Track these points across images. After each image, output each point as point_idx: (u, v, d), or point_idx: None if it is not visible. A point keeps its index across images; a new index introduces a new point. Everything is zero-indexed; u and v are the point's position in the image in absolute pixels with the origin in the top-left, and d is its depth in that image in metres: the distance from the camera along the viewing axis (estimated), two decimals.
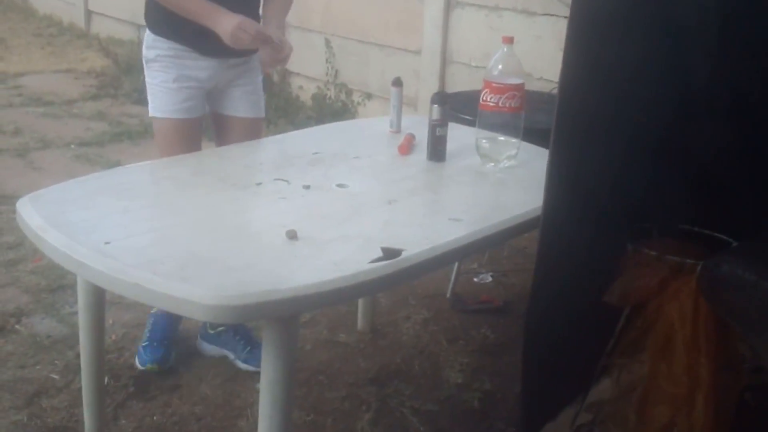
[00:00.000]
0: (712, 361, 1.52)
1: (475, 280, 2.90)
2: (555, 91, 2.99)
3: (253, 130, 2.23)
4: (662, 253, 1.58)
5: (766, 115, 1.59)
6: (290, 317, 1.35)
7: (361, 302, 2.48)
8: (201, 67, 2.16)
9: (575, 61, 1.52)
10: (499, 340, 2.49)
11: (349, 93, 4.62)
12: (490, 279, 2.92)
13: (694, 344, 1.54)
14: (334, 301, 1.44)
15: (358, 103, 4.56)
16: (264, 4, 2.21)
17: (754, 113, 1.57)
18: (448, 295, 2.75)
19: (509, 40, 1.96)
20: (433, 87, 4.00)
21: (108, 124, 4.49)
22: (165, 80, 2.15)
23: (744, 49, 1.51)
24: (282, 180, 1.78)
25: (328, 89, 4.67)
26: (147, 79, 2.19)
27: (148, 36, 2.19)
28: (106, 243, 1.38)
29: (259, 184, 1.76)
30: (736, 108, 1.57)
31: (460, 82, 3.87)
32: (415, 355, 2.39)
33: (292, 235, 1.48)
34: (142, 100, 4.88)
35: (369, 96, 4.50)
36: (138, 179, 1.76)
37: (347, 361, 2.33)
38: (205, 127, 2.30)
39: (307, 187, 1.75)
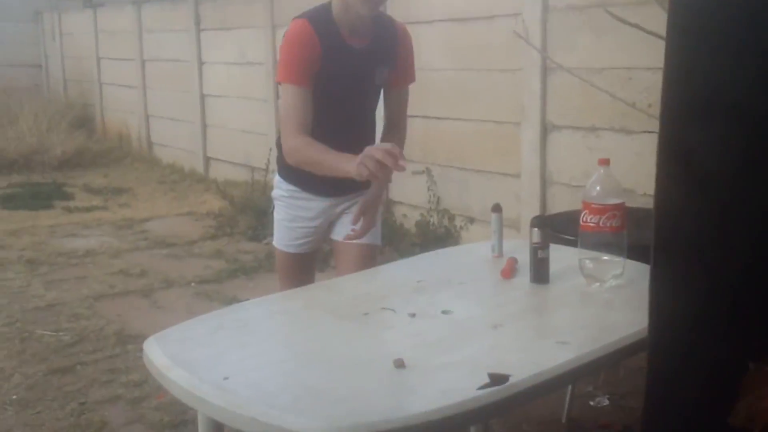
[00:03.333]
0: None
1: (591, 403, 2.81)
2: None
3: (365, 256, 2.33)
4: None
5: None
6: None
7: (473, 430, 2.44)
8: (310, 208, 2.36)
9: (668, 172, 1.52)
10: None
11: (451, 218, 4.71)
12: (607, 402, 2.82)
13: None
14: (443, 429, 1.44)
15: (461, 228, 4.63)
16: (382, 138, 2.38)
17: None
18: (563, 420, 2.66)
19: (605, 162, 1.99)
20: (535, 209, 4.03)
21: (225, 261, 4.73)
22: (283, 218, 2.41)
23: None
24: (388, 309, 1.84)
25: (431, 216, 4.78)
26: (274, 213, 2.47)
27: (276, 177, 2.45)
28: (225, 378, 1.46)
29: (366, 314, 1.81)
30: None
31: (561, 202, 3.89)
32: None
33: (399, 364, 1.51)
34: (256, 237, 5.17)
35: (471, 220, 4.58)
36: (254, 315, 1.86)
37: None
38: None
39: (413, 315, 1.79)
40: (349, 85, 2.25)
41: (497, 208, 2.24)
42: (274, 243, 2.48)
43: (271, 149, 6.11)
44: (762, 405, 1.55)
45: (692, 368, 1.55)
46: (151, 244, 5.22)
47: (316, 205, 2.36)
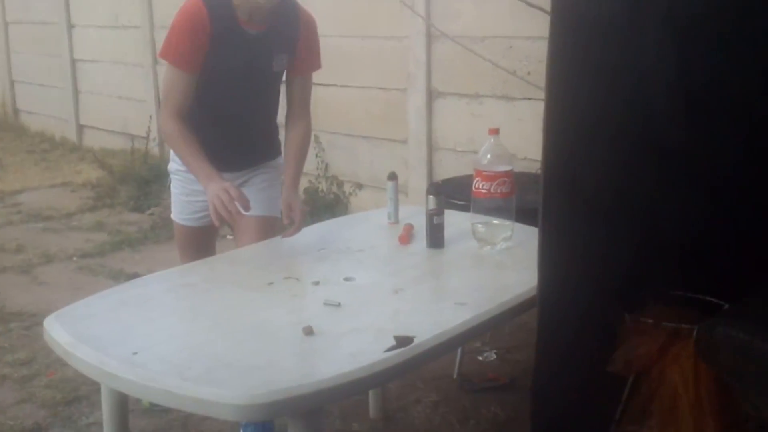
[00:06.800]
0: (718, 421, 1.58)
1: (480, 358, 2.96)
2: (540, 171, 3.12)
3: (264, 228, 2.33)
4: (658, 320, 1.67)
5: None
6: (315, 411, 1.41)
7: (371, 392, 2.52)
8: None
9: (555, 140, 1.62)
10: (509, 417, 2.53)
11: (340, 185, 4.75)
12: (495, 356, 2.97)
13: (699, 406, 1.60)
14: (355, 391, 1.51)
15: (350, 194, 4.69)
16: (285, 146, 2.39)
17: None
18: (455, 376, 2.79)
19: (495, 132, 2.09)
20: (422, 174, 4.14)
21: (107, 233, 4.58)
22: (180, 192, 2.40)
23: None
24: (292, 278, 1.87)
25: (320, 182, 4.80)
26: (171, 187, 2.45)
27: (171, 151, 2.41)
28: (134, 353, 1.46)
29: (271, 283, 1.84)
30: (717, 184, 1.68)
31: (448, 168, 4.01)
32: None
33: (308, 331, 1.55)
34: (139, 207, 5.03)
35: (360, 186, 4.64)
36: (156, 289, 1.84)
37: None
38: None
39: (317, 283, 1.83)
40: (243, 71, 2.24)
41: (393, 177, 2.30)
42: (173, 217, 2.46)
43: (151, 117, 5.93)
44: (637, 353, 1.70)
45: (576, 321, 1.68)
46: (26, 217, 4.97)
47: None
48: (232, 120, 2.29)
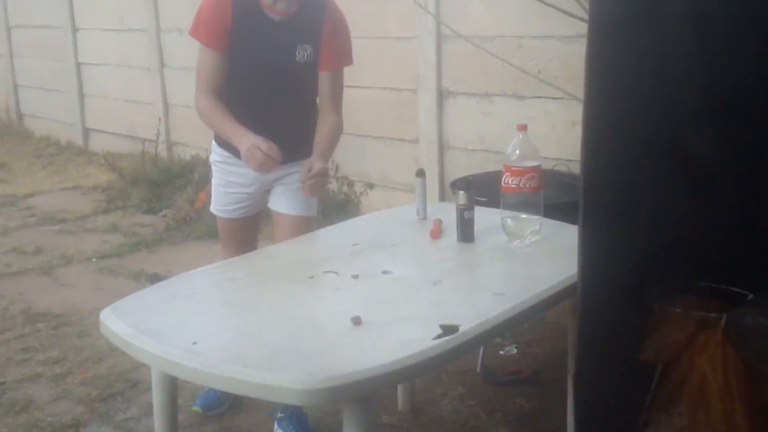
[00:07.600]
0: (747, 406, 1.63)
1: (501, 353, 3.02)
2: (556, 168, 3.19)
3: (300, 226, 2.38)
4: (686, 309, 1.73)
5: None
6: (369, 396, 1.48)
7: (399, 387, 2.58)
8: (243, 174, 2.39)
9: (593, 142, 1.68)
10: (534, 408, 2.59)
11: (350, 184, 4.81)
12: (515, 351, 3.04)
13: (728, 392, 1.66)
14: (407, 377, 1.58)
15: (361, 194, 4.75)
16: (316, 134, 2.37)
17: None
18: (478, 370, 2.86)
19: (523, 128, 2.16)
20: (434, 173, 4.20)
21: (123, 235, 4.64)
22: (218, 183, 2.46)
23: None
24: (332, 272, 1.93)
25: (330, 183, 4.86)
26: (212, 178, 2.51)
27: (213, 142, 2.47)
28: (194, 343, 1.52)
29: (312, 277, 1.91)
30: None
31: (459, 166, 4.07)
32: (457, 429, 2.49)
33: (357, 321, 1.62)
34: (152, 209, 5.08)
35: (371, 186, 4.70)
36: (202, 284, 1.90)
37: None
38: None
39: (356, 277, 1.89)
40: (266, 57, 2.27)
41: (421, 173, 2.37)
42: (211, 208, 2.51)
43: (160, 119, 5.98)
44: (667, 341, 1.76)
45: (612, 312, 1.75)
46: (41, 220, 5.02)
47: (248, 171, 2.34)
48: (262, 111, 2.31)
